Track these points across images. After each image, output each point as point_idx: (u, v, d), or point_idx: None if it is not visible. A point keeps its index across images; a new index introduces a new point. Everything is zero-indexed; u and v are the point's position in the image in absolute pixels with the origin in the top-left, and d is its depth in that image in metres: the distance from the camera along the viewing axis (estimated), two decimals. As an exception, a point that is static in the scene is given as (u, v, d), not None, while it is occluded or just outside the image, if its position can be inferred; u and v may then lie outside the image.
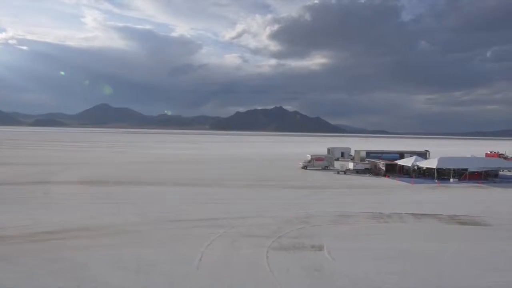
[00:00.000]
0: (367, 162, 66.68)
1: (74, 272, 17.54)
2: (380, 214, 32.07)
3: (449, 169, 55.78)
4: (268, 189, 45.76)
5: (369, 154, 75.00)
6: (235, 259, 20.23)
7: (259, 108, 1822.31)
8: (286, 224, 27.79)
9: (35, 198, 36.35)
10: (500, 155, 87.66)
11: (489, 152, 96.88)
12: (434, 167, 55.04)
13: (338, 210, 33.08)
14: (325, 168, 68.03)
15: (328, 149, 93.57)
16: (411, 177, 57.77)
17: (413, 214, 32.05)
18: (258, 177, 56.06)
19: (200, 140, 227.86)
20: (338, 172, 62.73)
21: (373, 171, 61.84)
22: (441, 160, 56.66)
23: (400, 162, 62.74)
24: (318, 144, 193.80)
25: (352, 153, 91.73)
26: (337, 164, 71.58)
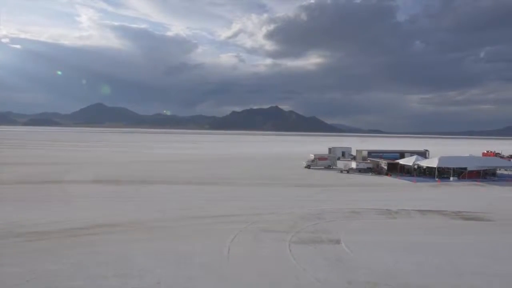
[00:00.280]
0: (369, 161, 68.54)
1: (120, 263, 19.01)
2: (388, 210, 33.82)
3: (449, 168, 57.80)
4: (275, 187, 47.35)
5: (370, 153, 76.90)
6: (261, 251, 21.80)
7: (255, 107, 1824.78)
8: (302, 220, 29.42)
9: (56, 197, 37.62)
10: (496, 154, 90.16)
11: (485, 152, 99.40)
12: (435, 166, 57.00)
13: (348, 207, 34.79)
14: (328, 167, 69.80)
15: (329, 149, 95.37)
16: (412, 175, 59.71)
17: (419, 211, 33.84)
18: (264, 176, 57.66)
19: (199, 140, 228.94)
20: (341, 171, 64.54)
21: (375, 170, 63.71)
22: (441, 159, 58.69)
23: (401, 161, 64.68)
24: (316, 144, 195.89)
25: (353, 152, 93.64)
26: (339, 164, 73.48)
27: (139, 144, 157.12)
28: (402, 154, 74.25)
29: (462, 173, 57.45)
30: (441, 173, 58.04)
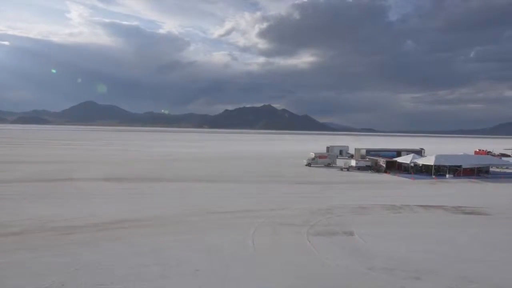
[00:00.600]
0: (367, 159, 70.82)
1: (156, 254, 20.62)
2: (392, 206, 35.90)
3: (445, 166, 60.32)
4: (282, 184, 49.19)
5: (369, 152, 79.29)
6: (282, 242, 23.59)
7: (247, 106, 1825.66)
8: (313, 215, 31.28)
9: (71, 194, 38.87)
10: (488, 153, 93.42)
11: (477, 150, 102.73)
12: (432, 164, 59.46)
13: (354, 203, 36.77)
14: (328, 165, 71.90)
15: (327, 148, 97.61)
16: (410, 173, 62.12)
17: (421, 206, 36.00)
18: (268, 174, 59.48)
19: (195, 138, 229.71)
20: (341, 169, 66.71)
21: (374, 168, 66.00)
22: (437, 157, 61.19)
23: (399, 159, 67.09)
24: (311, 142, 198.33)
25: (350, 151, 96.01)
26: (338, 162, 75.68)
27: (137, 143, 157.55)
28: (399, 153, 76.81)
29: (457, 171, 59.97)
30: (437, 171, 60.51)
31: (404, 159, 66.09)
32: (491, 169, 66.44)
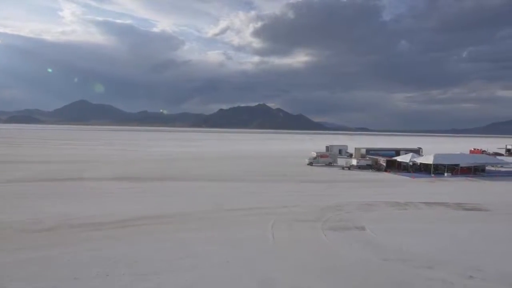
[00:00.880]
0: (368, 158, 72.69)
1: (185, 248, 21.98)
2: (397, 203, 37.60)
3: (442, 165, 62.34)
4: (286, 183, 50.67)
5: (368, 151, 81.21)
6: (300, 236, 25.08)
7: (242, 105, 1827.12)
8: (324, 211, 32.83)
9: (86, 193, 39.89)
10: (483, 152, 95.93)
11: (472, 149, 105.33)
12: (431, 163, 61.44)
13: (360, 200, 38.42)
14: (329, 165, 73.62)
15: (327, 147, 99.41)
16: (409, 172, 64.06)
17: (424, 203, 37.74)
18: (272, 173, 60.97)
19: (192, 138, 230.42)
20: (343, 168, 68.49)
21: (374, 167, 67.87)
22: (436, 156, 63.21)
23: (398, 158, 69.05)
24: (308, 142, 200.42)
25: (349, 150, 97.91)
26: (339, 161, 77.49)
27: (135, 143, 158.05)
28: (397, 152, 78.88)
29: (454, 170, 62.01)
30: (435, 169, 62.48)
31: (404, 158, 68.04)
32: (486, 168, 68.64)
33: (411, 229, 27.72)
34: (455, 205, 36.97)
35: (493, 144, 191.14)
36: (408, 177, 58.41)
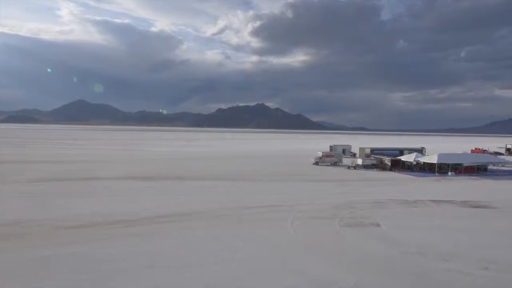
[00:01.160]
0: (372, 158, 74.22)
1: (217, 242, 23.38)
2: (406, 201, 39.10)
3: (447, 164, 63.92)
4: (296, 182, 52.05)
5: (373, 151, 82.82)
6: (320, 232, 26.49)
7: (241, 105, 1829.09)
8: (337, 209, 34.25)
9: (101, 192, 40.93)
10: (484, 151, 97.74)
11: (474, 149, 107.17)
12: (435, 162, 63.01)
13: (370, 198, 39.88)
14: (334, 164, 75.10)
15: (331, 147, 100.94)
16: (413, 171, 65.61)
17: (433, 201, 39.26)
18: (279, 172, 62.40)
19: (194, 137, 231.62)
20: (348, 167, 70.00)
21: (379, 166, 69.40)
22: (440, 156, 64.83)
23: (403, 158, 70.62)
24: (310, 142, 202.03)
25: (353, 150, 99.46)
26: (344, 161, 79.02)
27: (138, 142, 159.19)
28: (401, 152, 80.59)
29: (458, 169, 63.60)
30: (439, 169, 64.05)
31: (408, 158, 69.61)
32: (488, 167, 70.27)
33: (423, 225, 29.18)
34: (462, 203, 38.49)
35: (491, 143, 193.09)
36: (413, 176, 59.96)
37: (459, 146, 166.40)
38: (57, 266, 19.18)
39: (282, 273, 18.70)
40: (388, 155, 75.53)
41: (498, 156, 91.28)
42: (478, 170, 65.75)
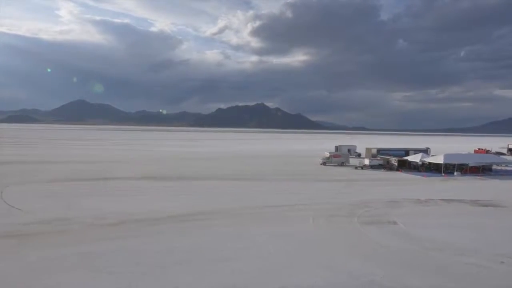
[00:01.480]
0: (379, 158, 75.55)
1: (244, 239, 24.65)
2: (418, 200, 40.43)
3: (452, 164, 65.27)
4: (308, 182, 53.32)
5: (379, 151, 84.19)
6: (341, 230, 27.78)
7: (240, 104, 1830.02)
8: (354, 208, 35.54)
9: (124, 191, 42.13)
10: (487, 151, 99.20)
11: (477, 149, 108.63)
12: (441, 162, 64.36)
13: (384, 197, 41.21)
14: (341, 164, 76.42)
15: (336, 147, 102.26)
16: (420, 171, 66.95)
17: (443, 200, 40.60)
18: (288, 172, 63.67)
19: (196, 137, 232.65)
20: (356, 167, 71.33)
21: (386, 166, 70.73)
22: (446, 156, 66.22)
23: (409, 158, 71.98)
24: (312, 141, 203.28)
25: (358, 150, 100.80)
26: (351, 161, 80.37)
27: (142, 142, 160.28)
28: (407, 152, 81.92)
29: (463, 169, 64.95)
30: (445, 169, 65.38)
31: (414, 158, 70.96)
32: (493, 167, 71.65)
33: (437, 223, 30.49)
34: (471, 202, 39.84)
35: (491, 143, 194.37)
36: (420, 176, 61.30)
37: (460, 146, 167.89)
38: (101, 261, 20.34)
39: (311, 267, 19.93)
40: (394, 155, 76.86)
41: (501, 156, 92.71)
42: (483, 170, 67.10)
